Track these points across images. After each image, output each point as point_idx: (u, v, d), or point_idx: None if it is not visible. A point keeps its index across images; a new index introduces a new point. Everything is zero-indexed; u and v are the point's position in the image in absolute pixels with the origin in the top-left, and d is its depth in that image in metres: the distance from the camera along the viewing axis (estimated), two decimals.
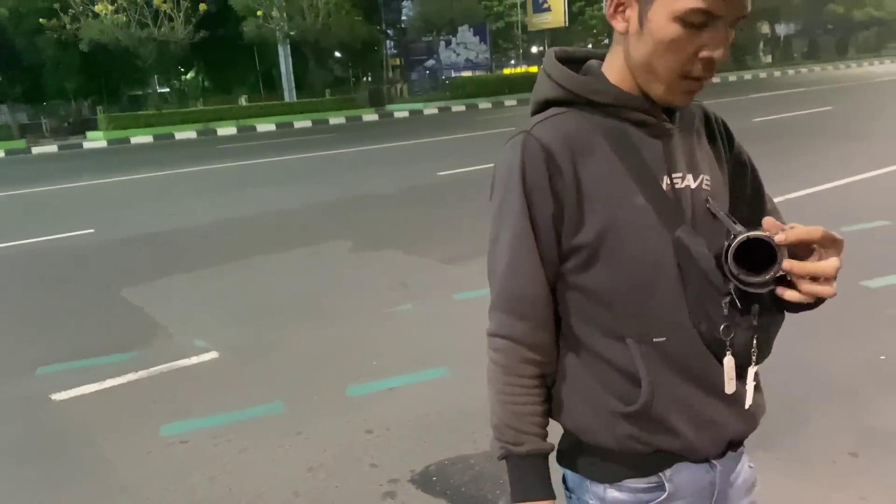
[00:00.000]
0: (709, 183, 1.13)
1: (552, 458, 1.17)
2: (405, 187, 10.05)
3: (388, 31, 36.38)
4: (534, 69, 37.12)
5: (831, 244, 0.96)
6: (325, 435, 3.32)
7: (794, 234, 0.94)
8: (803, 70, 33.74)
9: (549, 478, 1.14)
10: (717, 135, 1.21)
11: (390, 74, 36.93)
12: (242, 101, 29.74)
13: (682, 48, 1.01)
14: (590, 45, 34.56)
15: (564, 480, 1.21)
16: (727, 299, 1.02)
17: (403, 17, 37.82)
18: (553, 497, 1.14)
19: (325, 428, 3.38)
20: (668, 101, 1.07)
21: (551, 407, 1.17)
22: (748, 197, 1.26)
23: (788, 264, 0.94)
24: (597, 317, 1.11)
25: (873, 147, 10.11)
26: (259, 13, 27.63)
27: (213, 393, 3.87)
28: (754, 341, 1.05)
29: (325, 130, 21.30)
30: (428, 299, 5.17)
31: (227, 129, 23.63)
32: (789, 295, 0.96)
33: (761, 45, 43.28)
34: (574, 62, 1.16)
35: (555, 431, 1.17)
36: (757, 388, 1.13)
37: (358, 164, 12.78)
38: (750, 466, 1.23)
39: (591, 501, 1.16)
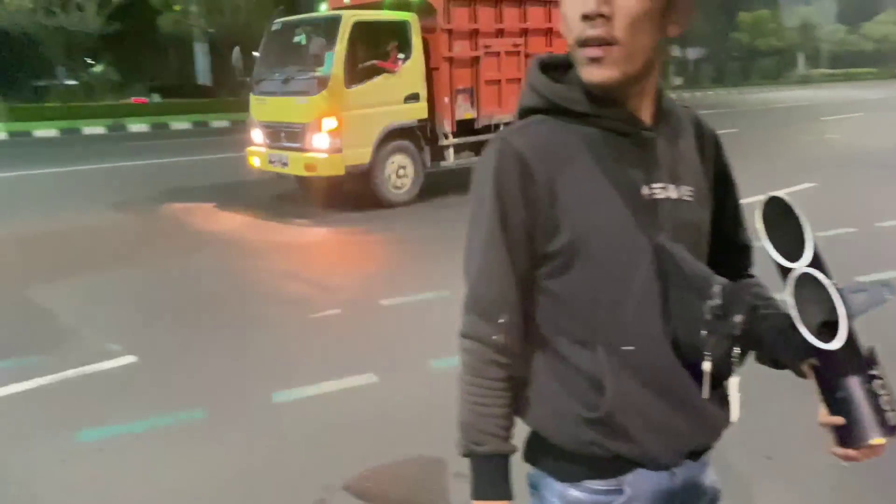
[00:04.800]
0: (691, 194, 1.16)
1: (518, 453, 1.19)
2: None
3: None
4: None
5: None
6: (251, 442, 3.23)
7: None
8: (710, 93, 35.38)
9: (508, 478, 1.16)
10: (706, 146, 1.23)
11: None
12: (155, 97, 28.60)
13: (570, 16, 1.06)
14: None
15: (529, 477, 1.23)
16: (710, 305, 1.05)
17: None
18: (509, 497, 1.15)
19: (251, 434, 3.30)
20: (587, 82, 1.08)
21: (518, 407, 1.19)
22: (730, 212, 1.27)
23: None
24: (567, 323, 1.13)
25: (775, 169, 10.70)
26: (176, 8, 26.68)
27: (130, 398, 3.70)
28: (735, 349, 1.07)
29: (244, 130, 20.71)
30: (354, 304, 5.12)
31: (138, 126, 22.68)
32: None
33: (672, 67, 45.23)
34: (564, 68, 1.17)
35: (521, 427, 1.19)
36: (723, 399, 1.16)
37: None
38: (713, 479, 1.24)
39: (551, 499, 1.18)
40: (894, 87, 41.41)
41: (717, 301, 1.05)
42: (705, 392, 1.10)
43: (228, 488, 2.87)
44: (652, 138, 1.13)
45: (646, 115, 1.14)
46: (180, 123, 23.43)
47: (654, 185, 1.12)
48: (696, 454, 1.18)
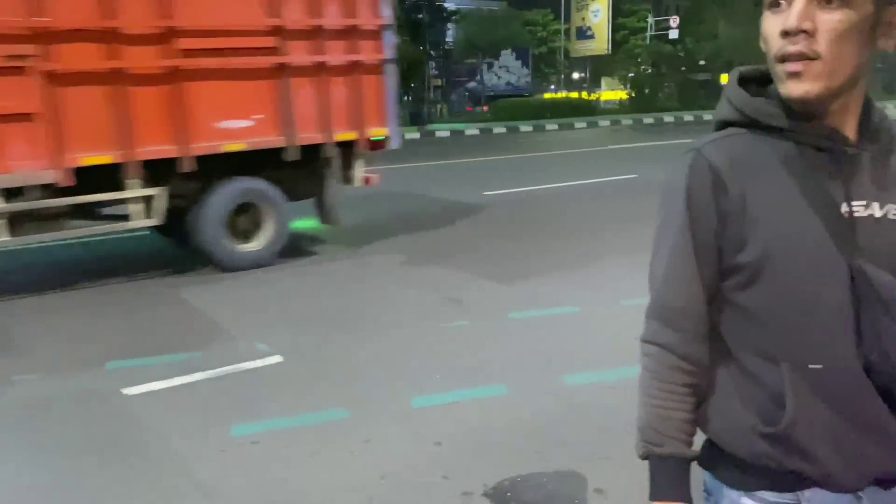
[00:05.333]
0: None
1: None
2: (450, 205, 10.10)
3: (432, 52, 36.82)
4: (574, 94, 37.14)
5: None
6: (394, 444, 3.36)
7: None
8: (879, 105, 33.10)
9: (687, 482, 1.18)
10: None
11: (431, 95, 37.33)
12: None
13: (770, 33, 1.07)
14: (631, 74, 34.73)
15: (703, 482, 1.25)
16: None
17: (449, 39, 38.23)
18: (687, 500, 1.17)
19: (394, 437, 3.43)
20: (786, 97, 1.08)
21: (697, 416, 1.21)
22: None
23: None
24: (752, 336, 1.13)
25: None
26: None
27: (279, 396, 3.94)
28: None
29: None
30: (482, 317, 5.20)
31: None
32: None
33: None
34: (763, 81, 1.18)
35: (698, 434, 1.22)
36: None
37: (401, 181, 12.88)
38: None
39: None
40: None
41: None
42: None
43: (372, 488, 2.99)
44: (855, 154, 1.11)
45: (849, 130, 1.12)
46: None
47: (855, 203, 1.09)
48: (886, 482, 1.14)
